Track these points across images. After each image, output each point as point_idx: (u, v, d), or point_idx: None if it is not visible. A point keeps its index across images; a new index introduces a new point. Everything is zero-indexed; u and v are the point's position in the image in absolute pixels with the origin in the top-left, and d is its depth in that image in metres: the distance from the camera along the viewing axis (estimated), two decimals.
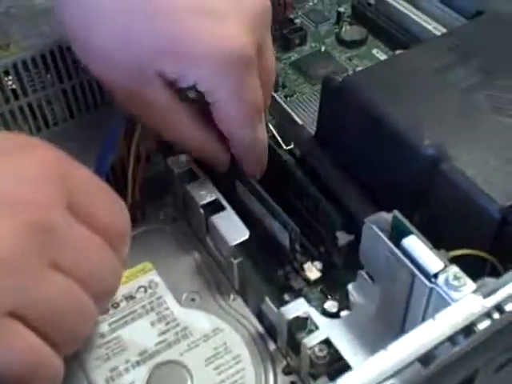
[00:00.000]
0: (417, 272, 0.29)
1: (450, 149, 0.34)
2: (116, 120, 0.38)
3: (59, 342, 0.28)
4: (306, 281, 0.38)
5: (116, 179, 0.40)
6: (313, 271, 0.38)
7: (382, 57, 0.53)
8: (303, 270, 0.38)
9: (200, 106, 0.36)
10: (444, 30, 0.51)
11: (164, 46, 0.33)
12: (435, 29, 0.52)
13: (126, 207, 0.32)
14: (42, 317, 0.27)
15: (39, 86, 0.40)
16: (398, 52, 0.52)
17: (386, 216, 0.32)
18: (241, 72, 0.34)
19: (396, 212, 0.31)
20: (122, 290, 0.36)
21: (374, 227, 0.31)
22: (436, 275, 0.28)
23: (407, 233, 0.30)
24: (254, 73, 0.35)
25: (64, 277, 0.27)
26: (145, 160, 0.41)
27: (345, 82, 0.38)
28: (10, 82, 0.40)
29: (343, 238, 0.37)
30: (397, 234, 0.31)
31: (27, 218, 0.26)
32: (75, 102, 0.42)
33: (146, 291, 0.36)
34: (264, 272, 0.38)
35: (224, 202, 0.37)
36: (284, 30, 0.55)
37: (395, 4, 0.55)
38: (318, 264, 0.38)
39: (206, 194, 0.37)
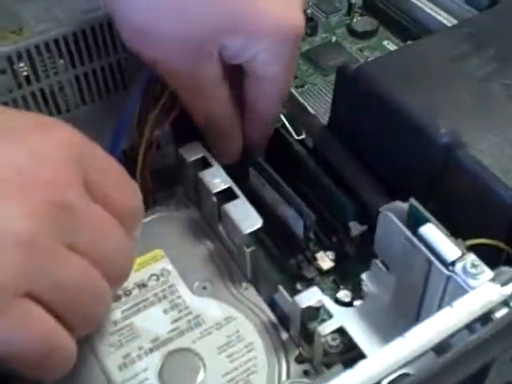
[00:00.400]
0: (434, 259, 0.29)
1: (465, 137, 0.34)
2: (129, 103, 0.38)
3: (74, 323, 0.27)
4: (319, 270, 0.38)
5: (127, 167, 0.40)
6: (325, 261, 0.38)
7: (393, 48, 0.53)
8: (316, 259, 0.38)
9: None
10: (455, 21, 0.50)
11: (229, 23, 0.35)
12: (446, 20, 0.51)
13: (139, 189, 0.32)
14: (59, 298, 0.27)
15: (52, 71, 0.40)
16: (409, 43, 0.52)
17: (402, 205, 0.31)
18: (295, 48, 0.38)
19: (412, 200, 0.31)
20: (134, 278, 0.36)
21: (390, 215, 0.31)
22: (453, 263, 0.28)
23: (424, 221, 0.30)
24: None
25: (80, 258, 0.27)
26: (156, 147, 0.41)
27: (359, 70, 0.38)
28: (22, 68, 0.39)
29: (356, 228, 0.37)
30: (413, 222, 0.30)
31: (46, 197, 0.26)
32: (88, 88, 0.42)
33: (158, 279, 0.36)
34: (276, 261, 0.38)
35: (237, 190, 0.37)
36: None
37: None
38: (331, 254, 0.38)
39: (219, 182, 0.37)
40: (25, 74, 0.40)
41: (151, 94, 0.39)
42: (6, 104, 0.39)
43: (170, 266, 0.37)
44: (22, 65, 0.40)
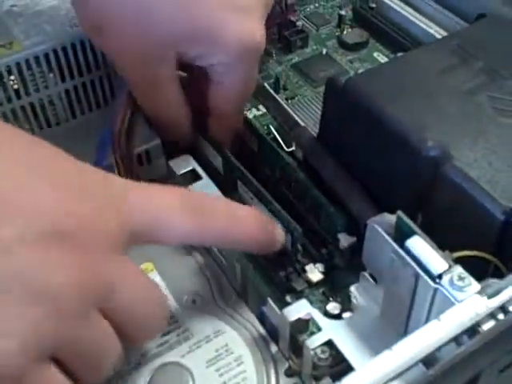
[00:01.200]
0: (421, 272, 0.29)
1: (453, 150, 0.34)
2: (114, 115, 0.38)
3: (85, 378, 0.27)
4: (308, 282, 0.38)
5: None
6: (315, 273, 0.38)
7: (383, 60, 0.53)
8: (305, 271, 0.38)
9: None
10: (445, 34, 0.51)
11: (188, 32, 0.36)
12: (436, 32, 0.52)
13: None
14: (78, 360, 0.26)
15: (42, 85, 0.40)
16: (399, 55, 0.53)
17: (390, 217, 0.32)
18: (254, 62, 0.39)
19: (400, 213, 0.31)
20: None
21: (377, 228, 0.31)
22: (440, 276, 0.28)
23: (411, 233, 0.30)
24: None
25: (108, 323, 0.27)
26: (146, 160, 0.41)
27: (348, 82, 0.38)
28: (12, 82, 0.40)
29: (345, 239, 0.37)
30: (401, 235, 0.30)
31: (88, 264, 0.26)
32: (77, 101, 0.42)
33: None
34: (266, 273, 0.38)
35: None
36: (285, 32, 0.55)
37: (396, 7, 0.55)
38: (320, 266, 0.38)
39: (209, 195, 0.37)
40: (15, 87, 0.40)
41: (135, 105, 0.39)
42: None
43: (159, 279, 0.37)
44: (12, 78, 0.40)
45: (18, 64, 0.39)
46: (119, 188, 0.29)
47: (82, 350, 0.26)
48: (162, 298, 0.30)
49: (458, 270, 0.28)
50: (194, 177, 0.39)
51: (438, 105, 0.37)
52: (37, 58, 0.40)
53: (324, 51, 0.55)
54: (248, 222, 0.33)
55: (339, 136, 0.40)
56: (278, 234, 0.35)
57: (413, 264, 0.29)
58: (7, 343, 0.24)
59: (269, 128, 0.47)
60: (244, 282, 0.36)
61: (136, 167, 0.39)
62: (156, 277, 0.37)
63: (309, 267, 0.38)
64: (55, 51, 0.40)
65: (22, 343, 0.24)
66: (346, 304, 0.36)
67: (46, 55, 0.40)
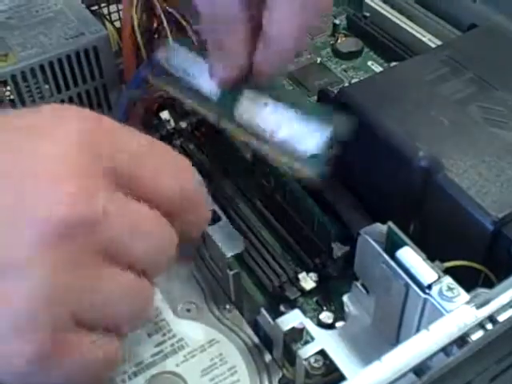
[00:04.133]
0: (411, 283, 0.29)
1: (443, 160, 0.34)
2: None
3: (121, 328, 0.27)
4: (301, 291, 0.38)
5: None
6: (308, 281, 0.38)
7: (378, 69, 0.54)
8: (298, 280, 0.38)
9: None
10: (439, 42, 0.51)
11: None
12: (430, 41, 0.52)
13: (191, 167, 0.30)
14: (103, 315, 0.26)
15: (37, 96, 0.41)
16: (393, 64, 0.53)
17: (381, 227, 0.32)
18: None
19: (391, 223, 0.31)
20: None
21: (368, 239, 0.31)
22: (430, 286, 0.28)
23: (402, 244, 0.30)
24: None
25: (120, 269, 0.26)
26: None
27: (340, 93, 0.39)
28: (8, 93, 0.40)
29: (339, 249, 0.37)
30: (391, 246, 0.31)
31: (68, 219, 0.24)
32: None
33: None
34: (259, 282, 0.39)
35: (220, 213, 0.37)
36: None
37: (390, 16, 0.55)
38: (314, 275, 0.39)
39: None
40: (11, 97, 0.41)
41: (132, 113, 0.40)
42: None
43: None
44: (8, 88, 0.40)
45: (13, 76, 0.39)
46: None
47: (106, 305, 0.26)
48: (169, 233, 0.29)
49: (447, 280, 0.29)
50: None
51: (429, 115, 0.37)
52: (32, 70, 0.40)
53: (318, 60, 0.55)
54: None
55: None
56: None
57: (403, 275, 0.29)
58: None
59: None
60: (238, 292, 0.36)
61: None
62: None
63: (302, 276, 0.38)
64: (51, 63, 0.40)
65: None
66: (340, 313, 0.36)
67: (42, 67, 0.40)
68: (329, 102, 0.39)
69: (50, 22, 0.42)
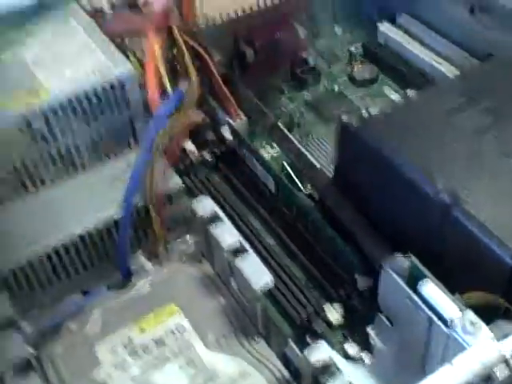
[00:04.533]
0: (434, 317, 0.30)
1: (461, 193, 0.35)
2: (138, 159, 0.40)
3: None
4: (327, 323, 0.39)
5: (141, 220, 0.42)
6: (333, 313, 0.39)
7: (394, 95, 0.55)
8: (323, 310, 0.39)
9: None
10: (455, 70, 0.52)
11: None
12: (446, 69, 0.53)
13: None
14: None
15: (68, 130, 0.42)
16: (408, 91, 0.54)
17: (403, 260, 0.33)
18: None
19: (413, 257, 0.32)
20: (151, 334, 0.38)
21: (391, 273, 0.32)
22: (453, 321, 0.29)
23: (423, 277, 0.31)
24: None
25: None
26: (168, 200, 0.43)
27: (360, 128, 0.40)
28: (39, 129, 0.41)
29: (363, 281, 0.38)
30: (413, 279, 0.32)
31: None
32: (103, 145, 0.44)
33: (173, 334, 0.38)
34: (287, 314, 0.40)
35: (246, 246, 0.38)
36: (297, 70, 0.57)
37: (406, 44, 0.56)
38: (338, 306, 0.39)
39: (230, 237, 0.39)
40: (43, 133, 0.42)
41: (157, 148, 0.41)
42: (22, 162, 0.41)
43: (184, 322, 0.38)
44: (40, 124, 0.42)
45: (43, 112, 0.41)
46: None
47: None
48: None
49: (469, 315, 0.30)
50: (214, 218, 0.40)
51: (446, 147, 0.38)
52: (62, 105, 0.41)
53: (336, 88, 0.56)
54: None
55: (353, 180, 0.41)
56: None
57: (426, 310, 0.30)
58: None
59: (284, 167, 0.49)
60: (266, 323, 0.37)
61: (159, 207, 0.42)
62: (182, 319, 0.38)
63: (327, 307, 0.39)
64: (78, 97, 0.42)
65: None
66: (364, 344, 0.37)
67: (70, 101, 0.42)
68: (349, 136, 0.41)
69: (76, 56, 0.44)
